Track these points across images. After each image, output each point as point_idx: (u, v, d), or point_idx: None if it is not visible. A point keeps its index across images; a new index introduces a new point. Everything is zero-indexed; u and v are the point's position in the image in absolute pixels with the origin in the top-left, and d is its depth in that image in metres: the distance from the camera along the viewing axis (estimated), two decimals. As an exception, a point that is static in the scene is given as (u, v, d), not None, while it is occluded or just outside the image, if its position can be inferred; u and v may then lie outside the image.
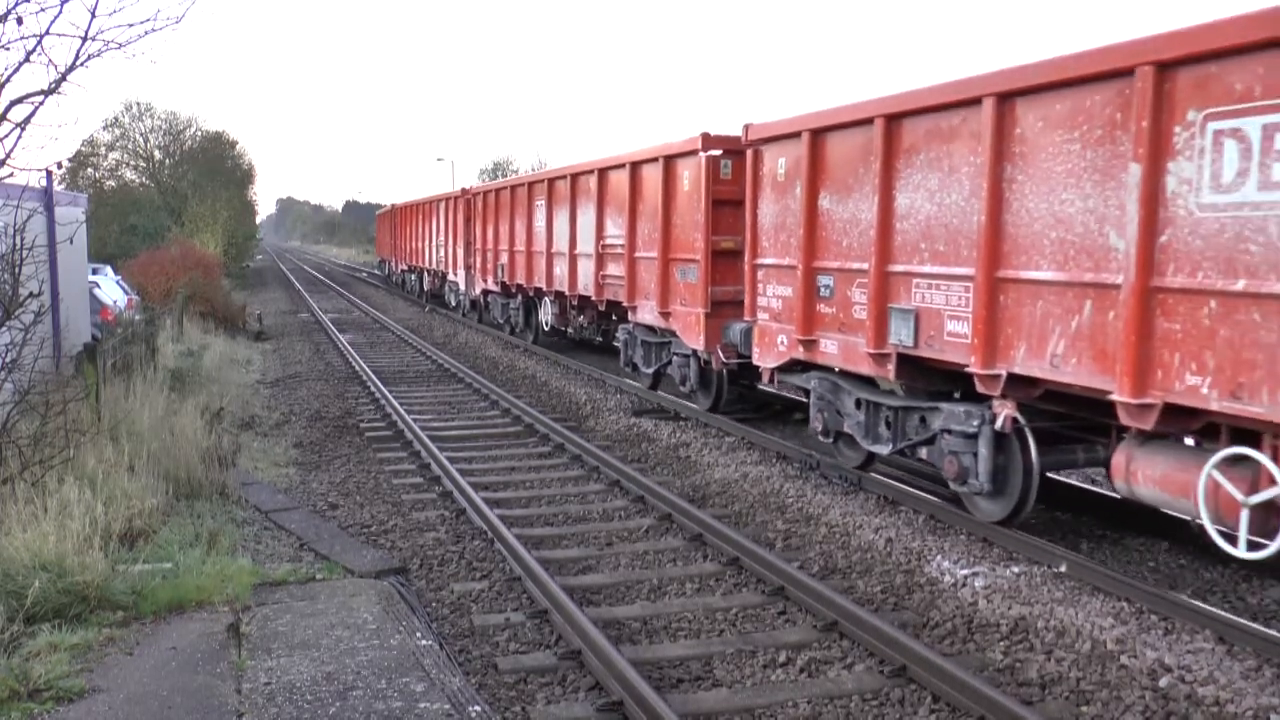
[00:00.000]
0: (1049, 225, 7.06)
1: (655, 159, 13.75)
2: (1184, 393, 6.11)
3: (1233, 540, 6.04)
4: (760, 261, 10.84)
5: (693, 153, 12.72)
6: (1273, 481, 5.79)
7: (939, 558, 7.68)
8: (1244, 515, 5.92)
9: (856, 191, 9.06)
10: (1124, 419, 6.57)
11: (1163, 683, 5.61)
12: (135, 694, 5.16)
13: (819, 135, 9.56)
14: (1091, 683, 5.73)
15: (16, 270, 7.94)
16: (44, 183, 12.32)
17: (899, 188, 8.51)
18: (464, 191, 27.06)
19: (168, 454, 9.09)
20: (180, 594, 6.39)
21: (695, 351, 12.98)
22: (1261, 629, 5.98)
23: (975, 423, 7.89)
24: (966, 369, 7.78)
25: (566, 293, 18.05)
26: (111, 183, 44.52)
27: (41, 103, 7.47)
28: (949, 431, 8.16)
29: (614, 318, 16.89)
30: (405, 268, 39.28)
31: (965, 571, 7.34)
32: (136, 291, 22.74)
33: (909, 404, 8.78)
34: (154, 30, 7.72)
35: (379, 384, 16.18)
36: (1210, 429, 6.40)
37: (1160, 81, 6.14)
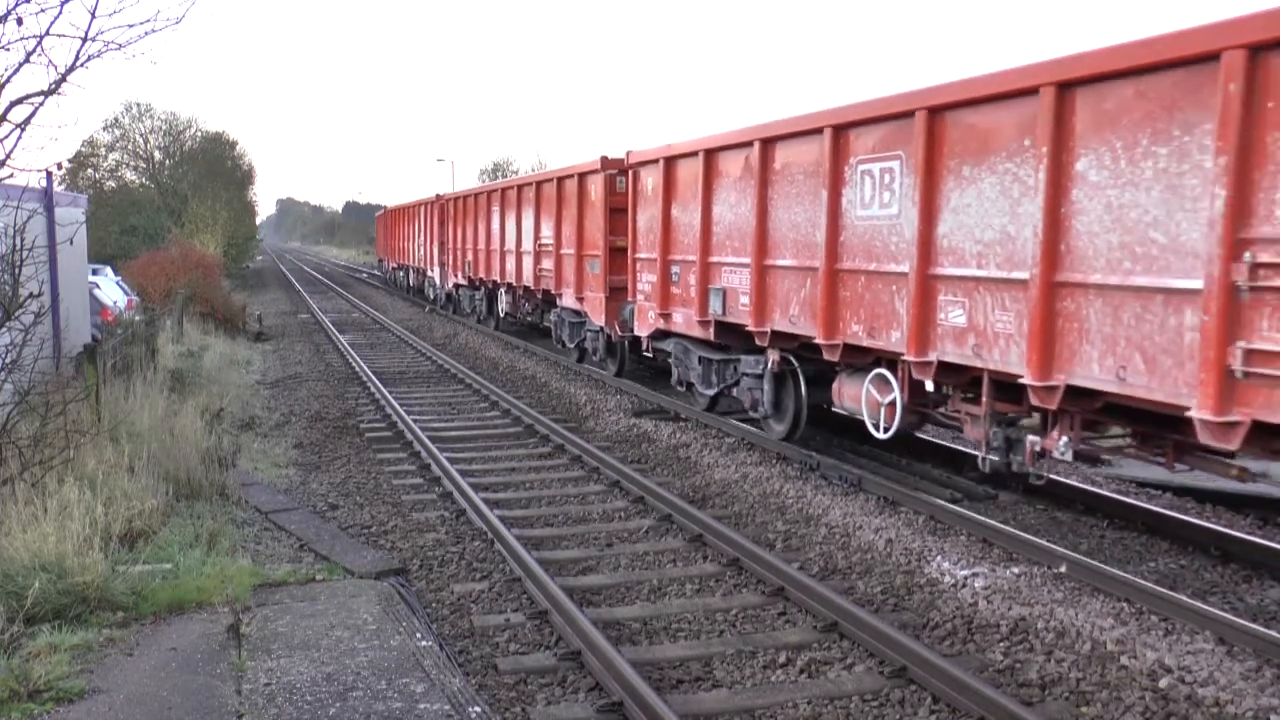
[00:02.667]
0: (789, 229, 10.12)
1: (573, 175, 17.07)
2: (852, 335, 9.23)
3: (878, 428, 9.19)
4: (638, 256, 13.97)
5: (597, 171, 15.94)
6: (893, 389, 8.93)
7: (939, 558, 7.68)
8: (881, 412, 9.10)
9: (692, 204, 12.14)
10: (825, 356, 9.64)
11: (1163, 683, 5.61)
12: (135, 694, 5.16)
13: (670, 161, 12.71)
14: (1091, 683, 5.73)
15: (16, 271, 7.93)
16: (44, 183, 12.31)
17: (714, 202, 11.64)
18: (438, 197, 30.71)
19: (168, 455, 9.08)
20: (180, 595, 6.39)
21: (601, 327, 16.31)
22: (1261, 630, 5.99)
23: (760, 367, 11.18)
24: (748, 329, 10.85)
25: (515, 284, 21.54)
26: (111, 183, 44.51)
27: (41, 103, 7.46)
28: (746, 374, 11.50)
29: (548, 304, 20.04)
30: (395, 265, 43.76)
31: (965, 572, 7.34)
32: (136, 292, 22.74)
33: (726, 357, 12.08)
34: (154, 31, 7.70)
35: (379, 385, 16.18)
36: (877, 360, 9.27)
37: (836, 138, 9.23)
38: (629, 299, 14.50)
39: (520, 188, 20.85)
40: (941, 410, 8.91)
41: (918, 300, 8.17)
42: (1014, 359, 7.28)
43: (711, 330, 11.77)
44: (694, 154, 11.91)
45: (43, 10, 7.26)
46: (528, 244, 20.15)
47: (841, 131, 9.17)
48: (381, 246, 51.43)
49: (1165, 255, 6.16)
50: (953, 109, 7.86)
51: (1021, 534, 7.87)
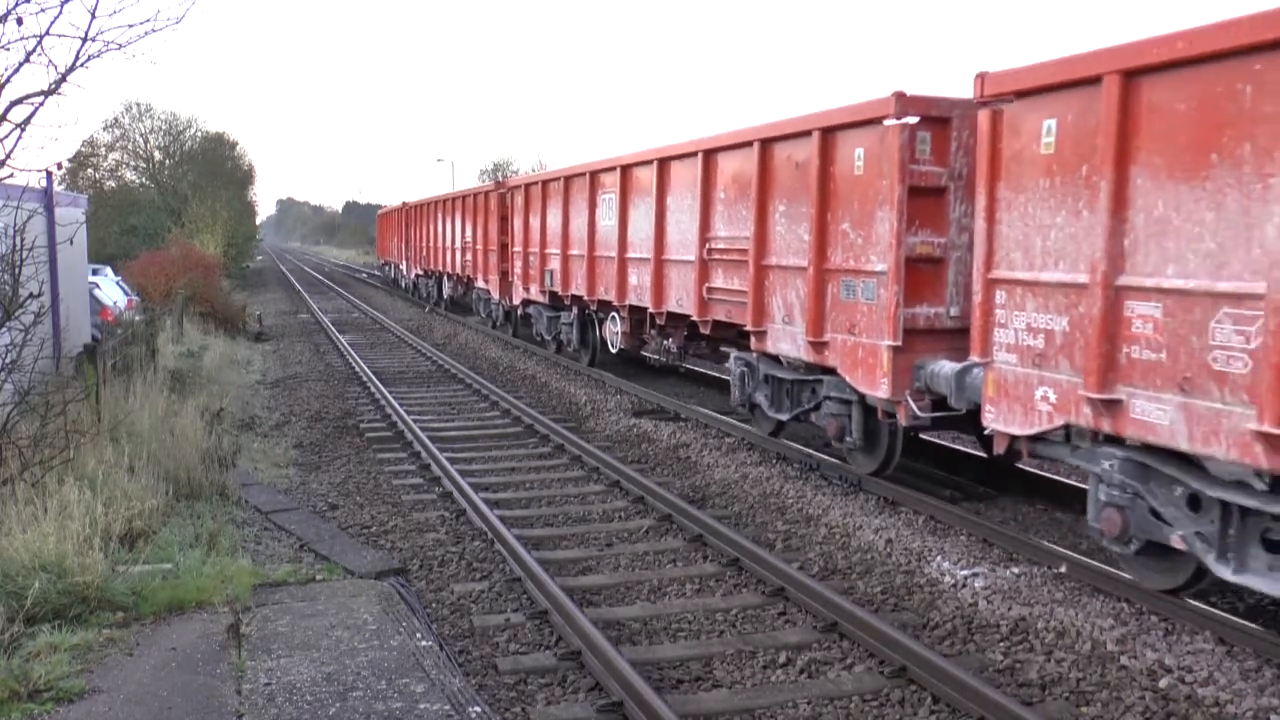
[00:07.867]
0: (577, 232, 16.91)
1: (481, 192, 24.58)
2: (602, 294, 15.82)
3: (614, 347, 15.96)
4: (513, 249, 21.20)
5: (493, 191, 23.25)
6: (619, 325, 15.50)
7: (939, 558, 7.68)
8: (615, 339, 15.67)
9: (537, 216, 19.18)
10: (593, 309, 16.51)
11: (1163, 683, 5.61)
12: (135, 694, 5.16)
13: (528, 187, 19.90)
14: (1091, 683, 5.73)
15: (16, 271, 7.93)
16: (44, 183, 12.31)
17: (546, 215, 18.64)
18: (403, 204, 38.86)
19: (168, 455, 9.08)
20: (180, 594, 6.39)
21: (499, 301, 23.34)
22: (1261, 629, 5.99)
23: (569, 317, 17.98)
24: (560, 294, 17.82)
25: (452, 273, 28.95)
26: (111, 183, 44.42)
27: (41, 103, 7.46)
28: (564, 324, 18.34)
29: (471, 287, 26.89)
30: (383, 262, 51.49)
31: (965, 572, 7.34)
32: (136, 292, 22.72)
33: (556, 314, 18.95)
34: (154, 31, 7.71)
35: (379, 385, 16.18)
36: (616, 309, 15.42)
37: (593, 179, 15.83)
38: (511, 279, 21.31)
39: (453, 199, 28.43)
40: (645, 335, 14.98)
41: (619, 272, 14.88)
42: (651, 300, 13.69)
43: (547, 297, 18.81)
44: (536, 183, 19.13)
45: (43, 10, 7.27)
46: (458, 241, 27.48)
47: (595, 175, 15.69)
48: (379, 245, 55.75)
49: (689, 245, 12.40)
50: (632, 166, 14.33)
51: (1021, 534, 7.87)
